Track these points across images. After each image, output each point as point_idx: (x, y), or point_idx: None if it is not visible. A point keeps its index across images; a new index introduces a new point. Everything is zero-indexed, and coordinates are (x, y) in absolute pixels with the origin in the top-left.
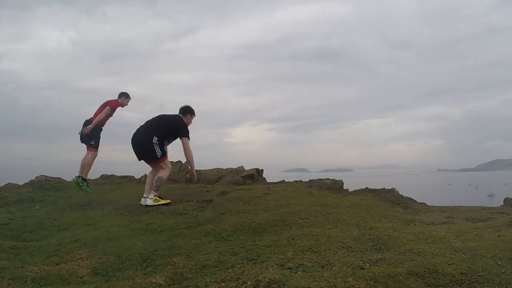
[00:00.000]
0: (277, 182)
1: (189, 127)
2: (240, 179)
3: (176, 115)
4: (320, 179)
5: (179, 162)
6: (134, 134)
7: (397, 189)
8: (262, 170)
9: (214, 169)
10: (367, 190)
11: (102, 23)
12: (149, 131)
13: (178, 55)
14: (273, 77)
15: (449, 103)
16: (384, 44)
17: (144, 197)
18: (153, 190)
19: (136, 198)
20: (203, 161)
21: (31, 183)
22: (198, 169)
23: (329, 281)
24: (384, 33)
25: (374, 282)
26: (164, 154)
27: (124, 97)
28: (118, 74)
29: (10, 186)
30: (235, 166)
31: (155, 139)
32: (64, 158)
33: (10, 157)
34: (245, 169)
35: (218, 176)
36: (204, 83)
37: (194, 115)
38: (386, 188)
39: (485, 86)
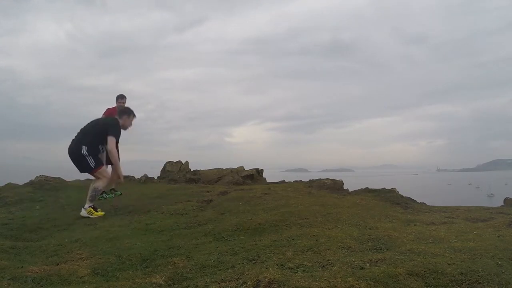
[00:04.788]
0: (277, 182)
1: (129, 129)
2: (240, 179)
3: (111, 117)
4: (320, 179)
5: (179, 162)
6: (69, 146)
7: (397, 189)
8: (262, 170)
9: (214, 169)
10: (367, 190)
11: (101, 14)
12: (78, 141)
13: (181, 50)
14: (280, 74)
15: (458, 101)
16: (398, 39)
17: (81, 214)
18: (88, 201)
19: (136, 198)
20: (203, 161)
21: (31, 183)
22: (198, 168)
23: (329, 281)
24: (399, 27)
25: (374, 282)
26: (99, 163)
27: None
28: (118, 71)
29: (10, 186)
30: (235, 166)
31: (84, 150)
32: (65, 158)
33: (10, 156)
34: (245, 169)
35: (218, 176)
36: (207, 80)
37: (133, 115)
38: (386, 188)
39: (497, 83)
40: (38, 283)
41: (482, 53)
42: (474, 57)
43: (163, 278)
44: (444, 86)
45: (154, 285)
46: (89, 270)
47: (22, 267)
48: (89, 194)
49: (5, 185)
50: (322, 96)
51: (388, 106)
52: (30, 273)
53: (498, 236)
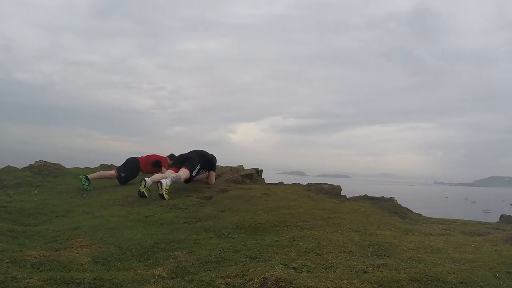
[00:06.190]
0: (275, 184)
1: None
2: (239, 178)
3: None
4: (318, 183)
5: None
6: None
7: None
8: (261, 171)
9: None
10: (365, 198)
11: None
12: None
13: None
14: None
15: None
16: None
17: (161, 181)
18: (172, 181)
19: (135, 189)
20: None
21: (30, 167)
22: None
23: (335, 282)
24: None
25: (379, 286)
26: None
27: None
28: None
29: (8, 169)
30: (233, 164)
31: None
32: (64, 144)
33: (8, 141)
34: (245, 169)
35: (217, 174)
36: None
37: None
38: (385, 197)
39: None
40: (37, 268)
41: None
42: None
43: (165, 271)
44: (487, 92)
45: (156, 277)
46: (89, 258)
47: (20, 251)
48: (173, 175)
49: (3, 167)
50: (319, 101)
51: (388, 113)
52: (29, 258)
53: (496, 250)
